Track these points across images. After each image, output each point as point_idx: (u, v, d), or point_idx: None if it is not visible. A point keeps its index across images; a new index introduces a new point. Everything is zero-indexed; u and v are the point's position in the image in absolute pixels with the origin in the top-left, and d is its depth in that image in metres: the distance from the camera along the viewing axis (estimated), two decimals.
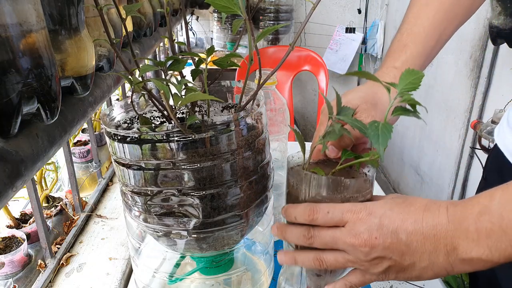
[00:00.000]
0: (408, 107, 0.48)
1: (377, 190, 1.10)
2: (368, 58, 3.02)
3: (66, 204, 1.00)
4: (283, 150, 0.93)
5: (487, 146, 1.29)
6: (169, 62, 0.52)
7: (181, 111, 0.61)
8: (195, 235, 0.53)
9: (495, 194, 0.42)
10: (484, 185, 0.83)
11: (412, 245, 0.44)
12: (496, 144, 0.76)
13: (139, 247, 0.64)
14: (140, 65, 0.55)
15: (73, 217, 0.98)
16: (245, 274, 0.65)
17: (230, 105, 0.61)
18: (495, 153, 0.78)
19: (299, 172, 0.52)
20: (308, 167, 0.54)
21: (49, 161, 0.97)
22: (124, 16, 0.52)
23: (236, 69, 2.00)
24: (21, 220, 0.91)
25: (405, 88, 0.47)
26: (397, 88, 0.47)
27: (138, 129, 0.49)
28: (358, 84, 3.12)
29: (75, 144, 1.25)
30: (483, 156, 1.39)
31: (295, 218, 0.49)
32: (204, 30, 3.11)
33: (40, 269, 0.81)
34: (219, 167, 0.50)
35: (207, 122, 0.48)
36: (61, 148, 0.73)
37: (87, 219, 1.01)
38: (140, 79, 0.51)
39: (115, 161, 0.53)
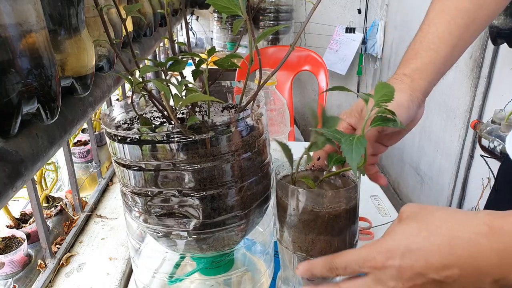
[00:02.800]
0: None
1: (377, 190, 1.10)
2: (368, 58, 3.02)
3: (66, 204, 1.00)
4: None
5: (487, 146, 1.29)
6: (170, 63, 0.52)
7: (182, 112, 0.61)
8: (195, 236, 0.53)
9: None
10: (495, 196, 0.81)
11: (447, 281, 0.39)
12: (508, 155, 0.74)
13: (139, 248, 0.64)
14: (140, 65, 0.55)
15: (73, 217, 0.98)
16: (245, 275, 0.65)
17: (230, 106, 0.61)
18: (507, 164, 0.76)
19: (285, 186, 0.53)
20: (297, 176, 0.55)
21: (49, 161, 0.97)
22: (124, 16, 0.52)
23: (236, 69, 2.00)
24: (21, 220, 0.91)
25: (380, 99, 0.49)
26: (373, 99, 0.48)
27: (138, 129, 0.49)
28: (358, 85, 3.12)
29: (75, 144, 1.25)
30: (493, 163, 1.39)
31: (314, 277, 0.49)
32: (204, 30, 3.11)
33: (40, 269, 0.81)
34: (220, 167, 0.50)
35: (207, 123, 0.48)
36: (61, 148, 0.73)
37: (87, 219, 1.01)
38: (140, 79, 0.51)
39: (115, 161, 0.53)
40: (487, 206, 0.81)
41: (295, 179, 0.55)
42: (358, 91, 3.14)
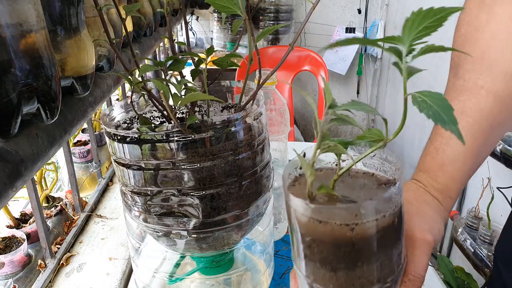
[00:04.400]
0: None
1: None
2: (368, 58, 3.02)
3: (66, 204, 1.00)
4: (283, 150, 0.93)
5: None
6: (169, 62, 0.52)
7: (181, 111, 0.61)
8: (195, 235, 0.53)
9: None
10: None
11: None
12: None
13: (139, 247, 0.64)
14: (140, 65, 0.55)
15: (73, 217, 0.98)
16: (245, 274, 0.65)
17: (230, 105, 0.61)
18: None
19: (287, 195, 0.39)
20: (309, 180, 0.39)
21: (49, 161, 0.97)
22: (124, 16, 0.52)
23: (236, 69, 2.00)
24: (21, 220, 0.91)
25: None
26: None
27: (138, 129, 0.49)
28: (358, 85, 3.12)
29: (75, 144, 1.25)
30: (493, 163, 1.39)
31: None
32: (204, 30, 3.11)
33: (40, 269, 0.81)
34: (219, 167, 0.50)
35: (206, 122, 0.48)
36: (61, 148, 0.73)
37: (87, 219, 1.01)
38: (140, 79, 0.51)
39: (115, 161, 0.53)
40: (508, 223, 0.76)
41: (311, 194, 0.39)
42: (358, 91, 3.15)
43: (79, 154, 1.21)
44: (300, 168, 0.43)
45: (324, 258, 0.38)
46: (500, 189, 1.36)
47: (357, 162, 0.39)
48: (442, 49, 0.30)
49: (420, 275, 0.43)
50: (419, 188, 0.54)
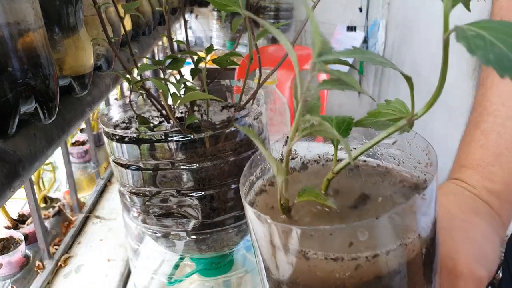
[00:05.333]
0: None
1: None
2: None
3: (64, 205, 0.99)
4: None
5: None
6: (168, 61, 0.51)
7: (180, 111, 0.60)
8: (194, 236, 0.53)
9: None
10: None
11: None
12: None
13: (137, 248, 0.64)
14: (139, 64, 0.55)
15: (71, 218, 0.98)
16: (244, 276, 0.65)
17: (229, 105, 0.60)
18: None
19: (261, 218, 0.24)
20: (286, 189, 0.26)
21: (47, 161, 0.96)
22: (122, 15, 0.52)
23: (235, 68, 1.99)
24: (19, 221, 0.90)
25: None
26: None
27: (136, 128, 0.48)
28: (360, 84, 3.11)
29: (73, 144, 1.24)
30: None
31: None
32: (204, 29, 3.11)
33: (38, 270, 0.80)
34: (219, 167, 0.49)
35: (206, 122, 0.48)
36: (59, 148, 0.73)
37: (85, 220, 1.00)
38: (138, 78, 0.51)
39: (114, 161, 0.53)
40: None
41: (285, 204, 0.26)
42: (359, 91, 3.14)
43: (77, 154, 1.21)
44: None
45: None
46: None
47: (363, 152, 0.24)
48: None
49: None
50: (463, 191, 0.38)
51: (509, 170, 0.37)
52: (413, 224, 0.23)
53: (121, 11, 0.53)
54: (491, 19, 0.20)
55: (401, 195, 0.26)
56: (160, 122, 0.58)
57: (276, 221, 0.23)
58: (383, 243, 0.22)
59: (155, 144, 0.48)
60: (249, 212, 0.25)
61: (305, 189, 0.25)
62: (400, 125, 0.23)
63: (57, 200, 1.01)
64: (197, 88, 0.53)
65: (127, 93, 0.75)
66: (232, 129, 0.49)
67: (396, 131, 0.24)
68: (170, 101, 0.47)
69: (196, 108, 0.58)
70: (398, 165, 0.29)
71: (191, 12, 3.00)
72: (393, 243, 0.22)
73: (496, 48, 0.17)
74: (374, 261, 0.22)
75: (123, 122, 0.56)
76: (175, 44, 0.56)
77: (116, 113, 0.57)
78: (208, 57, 0.50)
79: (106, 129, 0.51)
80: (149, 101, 0.58)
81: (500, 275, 1.02)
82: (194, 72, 0.53)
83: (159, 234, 0.54)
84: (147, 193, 0.51)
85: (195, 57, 0.52)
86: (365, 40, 2.91)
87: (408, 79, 0.24)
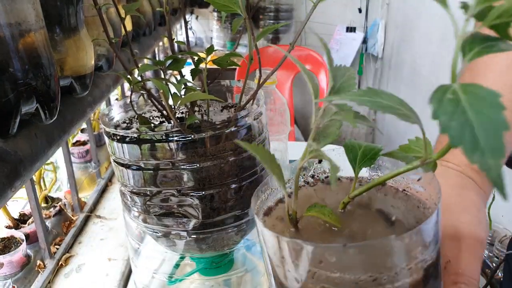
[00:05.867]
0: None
1: None
2: (369, 58, 3.02)
3: (65, 205, 0.99)
4: (283, 150, 0.93)
5: None
6: (169, 62, 0.52)
7: (181, 111, 0.60)
8: (194, 236, 0.53)
9: None
10: None
11: None
12: None
13: (138, 248, 0.64)
14: (139, 65, 0.55)
15: (72, 217, 0.98)
16: (245, 275, 0.65)
17: (229, 105, 0.61)
18: None
19: (269, 235, 0.25)
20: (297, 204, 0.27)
21: (48, 161, 0.96)
22: (123, 16, 0.52)
23: (236, 68, 1.99)
24: (20, 221, 0.90)
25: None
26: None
27: (137, 129, 0.49)
28: (359, 84, 3.11)
29: (74, 144, 1.25)
30: None
31: None
32: (204, 29, 3.11)
33: (39, 269, 0.80)
34: (219, 167, 0.49)
35: (206, 122, 0.48)
36: (60, 148, 0.73)
37: (86, 219, 1.00)
38: (139, 78, 0.51)
39: (114, 161, 0.53)
40: None
41: (296, 219, 0.28)
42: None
43: (78, 154, 1.21)
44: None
45: None
46: None
47: (379, 183, 0.26)
48: None
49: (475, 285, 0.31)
50: (448, 169, 0.41)
51: None
52: (427, 244, 0.24)
53: (122, 11, 0.53)
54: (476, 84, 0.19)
55: (413, 216, 0.27)
56: (161, 122, 0.58)
57: (282, 237, 0.24)
58: (401, 261, 0.23)
59: (156, 144, 0.48)
60: (261, 226, 0.26)
61: (314, 205, 0.26)
62: (414, 165, 0.24)
63: (58, 199, 1.01)
64: (198, 88, 0.53)
65: (128, 93, 0.75)
66: (232, 129, 0.49)
67: (408, 170, 0.25)
68: (170, 102, 0.47)
69: (196, 108, 0.58)
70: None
71: (192, 12, 3.00)
72: (397, 266, 0.23)
73: (464, 117, 0.17)
74: (375, 283, 0.23)
75: (124, 122, 0.57)
76: (175, 45, 0.57)
77: (117, 113, 0.58)
78: (209, 58, 0.51)
79: (107, 129, 0.51)
80: (149, 101, 0.58)
81: (500, 274, 1.02)
82: (194, 73, 0.53)
83: (159, 234, 0.54)
84: (148, 192, 0.51)
85: (196, 58, 0.53)
86: (365, 41, 2.91)
87: (421, 129, 0.23)
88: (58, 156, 1.09)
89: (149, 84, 0.52)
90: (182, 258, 0.64)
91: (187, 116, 0.57)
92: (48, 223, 0.92)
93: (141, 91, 0.52)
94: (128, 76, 0.51)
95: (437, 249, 0.26)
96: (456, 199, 0.36)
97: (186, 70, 0.56)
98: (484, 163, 0.16)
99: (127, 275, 0.84)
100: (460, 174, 0.40)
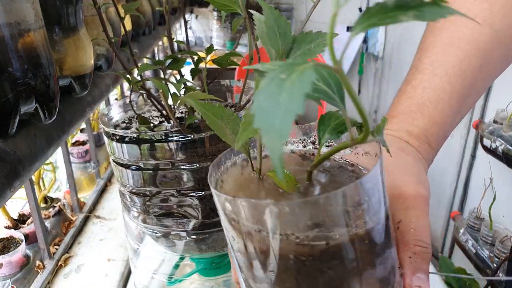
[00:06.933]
0: None
1: None
2: (369, 57, 3.02)
3: (64, 205, 0.99)
4: None
5: (488, 146, 1.29)
6: (168, 61, 0.51)
7: (180, 111, 0.60)
8: (194, 236, 0.53)
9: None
10: None
11: None
12: None
13: (137, 248, 0.64)
14: (139, 64, 0.55)
15: (71, 217, 0.98)
16: None
17: (229, 105, 0.61)
18: None
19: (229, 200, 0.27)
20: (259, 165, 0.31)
21: (47, 161, 0.96)
22: (122, 15, 0.52)
23: (235, 68, 1.99)
24: (19, 221, 0.90)
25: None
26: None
27: (136, 128, 0.48)
28: (360, 84, 3.12)
29: (73, 144, 1.24)
30: (495, 164, 1.39)
31: None
32: (204, 29, 3.11)
33: (38, 270, 0.80)
34: None
35: (206, 122, 0.48)
36: (59, 148, 0.73)
37: (86, 219, 1.00)
38: (138, 78, 0.51)
39: (114, 161, 0.53)
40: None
41: (259, 173, 0.31)
42: (359, 91, 3.14)
43: (77, 154, 1.21)
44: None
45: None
46: None
47: (326, 157, 0.28)
48: None
49: (426, 242, 0.32)
50: (388, 136, 0.43)
51: (429, 118, 0.43)
52: (360, 205, 0.25)
53: (121, 11, 0.53)
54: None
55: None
56: (160, 122, 0.58)
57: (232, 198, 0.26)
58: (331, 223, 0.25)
59: (155, 144, 0.48)
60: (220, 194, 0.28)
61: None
62: (348, 143, 0.25)
63: (57, 200, 1.01)
64: (197, 88, 0.53)
65: (127, 93, 0.75)
66: None
67: (342, 148, 0.27)
68: (170, 101, 0.47)
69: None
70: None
71: (191, 12, 3.00)
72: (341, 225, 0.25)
73: (275, 99, 0.17)
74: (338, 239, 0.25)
75: (123, 122, 0.56)
76: (175, 44, 0.56)
77: (116, 113, 0.57)
78: (208, 57, 0.50)
79: (107, 129, 0.51)
80: (149, 101, 0.58)
81: (500, 274, 1.02)
82: (194, 72, 0.53)
83: (159, 234, 0.54)
84: (147, 193, 0.51)
85: (195, 57, 0.52)
86: (365, 40, 2.91)
87: (362, 114, 0.23)
88: (57, 156, 1.09)
89: (149, 84, 0.51)
90: (181, 258, 0.64)
91: (186, 116, 0.57)
92: (47, 223, 0.92)
93: (141, 91, 0.52)
94: (128, 76, 0.50)
95: (383, 210, 0.27)
96: (395, 161, 0.36)
97: (186, 70, 0.56)
98: (272, 144, 0.16)
99: (127, 275, 0.84)
100: (397, 138, 0.42)
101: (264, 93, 0.17)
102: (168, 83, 0.48)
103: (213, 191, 0.29)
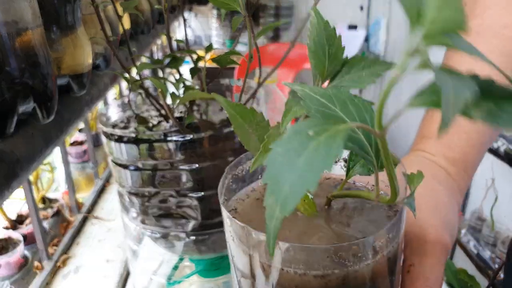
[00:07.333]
0: None
1: None
2: (371, 56, 3.01)
3: (62, 205, 0.99)
4: None
5: (490, 146, 1.28)
6: (167, 60, 0.51)
7: (179, 110, 0.60)
8: (193, 237, 0.52)
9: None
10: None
11: None
12: None
13: (136, 249, 0.63)
14: (138, 63, 0.54)
15: (70, 218, 0.97)
16: None
17: None
18: None
19: (241, 228, 0.27)
20: None
21: (45, 162, 0.96)
22: (121, 13, 0.51)
23: (235, 67, 1.99)
24: (17, 222, 0.90)
25: None
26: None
27: (135, 128, 0.48)
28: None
29: (71, 144, 1.24)
30: (495, 164, 1.39)
31: None
32: (203, 28, 3.10)
33: (37, 271, 0.80)
34: (218, 167, 0.49)
35: (205, 122, 0.47)
36: (58, 148, 0.72)
37: (84, 220, 1.00)
38: (137, 77, 0.50)
39: (112, 161, 0.52)
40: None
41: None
42: (360, 90, 3.14)
43: (75, 154, 1.20)
44: None
45: None
46: None
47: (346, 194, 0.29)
48: None
49: None
50: (423, 160, 0.39)
51: (466, 140, 0.40)
52: (393, 236, 0.26)
53: (120, 9, 0.52)
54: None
55: (381, 216, 0.29)
56: (159, 122, 0.58)
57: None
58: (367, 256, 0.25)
59: (154, 144, 0.47)
60: (226, 215, 0.28)
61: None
62: (371, 197, 0.26)
63: (56, 200, 1.00)
64: (197, 87, 0.52)
65: (125, 92, 0.74)
66: (232, 129, 0.49)
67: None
68: (169, 101, 0.46)
69: (195, 108, 0.58)
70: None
71: (190, 10, 2.99)
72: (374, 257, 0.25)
73: (292, 160, 0.16)
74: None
75: (122, 121, 0.56)
76: (174, 43, 0.56)
77: (115, 113, 0.57)
78: (208, 56, 0.50)
79: (105, 129, 0.50)
80: (148, 100, 0.57)
81: (501, 275, 1.02)
82: (193, 71, 0.52)
83: (158, 235, 0.53)
84: (146, 193, 0.50)
85: (195, 56, 0.52)
86: (367, 39, 2.90)
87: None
88: (55, 156, 1.08)
89: (147, 83, 0.51)
90: (181, 259, 0.63)
91: (185, 116, 0.56)
92: (45, 224, 0.91)
93: (139, 90, 0.51)
94: (126, 75, 0.50)
95: (395, 246, 0.27)
96: (425, 193, 0.34)
97: (185, 69, 0.55)
98: (273, 210, 0.15)
99: (126, 276, 0.83)
100: (433, 163, 0.39)
101: (284, 146, 0.15)
102: (167, 82, 0.48)
103: (224, 212, 0.29)
